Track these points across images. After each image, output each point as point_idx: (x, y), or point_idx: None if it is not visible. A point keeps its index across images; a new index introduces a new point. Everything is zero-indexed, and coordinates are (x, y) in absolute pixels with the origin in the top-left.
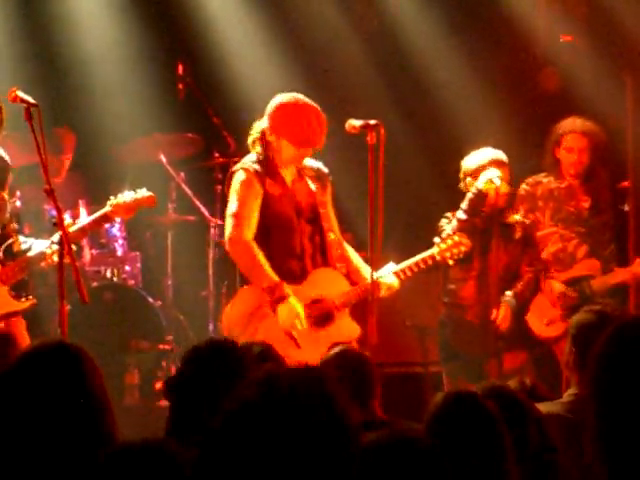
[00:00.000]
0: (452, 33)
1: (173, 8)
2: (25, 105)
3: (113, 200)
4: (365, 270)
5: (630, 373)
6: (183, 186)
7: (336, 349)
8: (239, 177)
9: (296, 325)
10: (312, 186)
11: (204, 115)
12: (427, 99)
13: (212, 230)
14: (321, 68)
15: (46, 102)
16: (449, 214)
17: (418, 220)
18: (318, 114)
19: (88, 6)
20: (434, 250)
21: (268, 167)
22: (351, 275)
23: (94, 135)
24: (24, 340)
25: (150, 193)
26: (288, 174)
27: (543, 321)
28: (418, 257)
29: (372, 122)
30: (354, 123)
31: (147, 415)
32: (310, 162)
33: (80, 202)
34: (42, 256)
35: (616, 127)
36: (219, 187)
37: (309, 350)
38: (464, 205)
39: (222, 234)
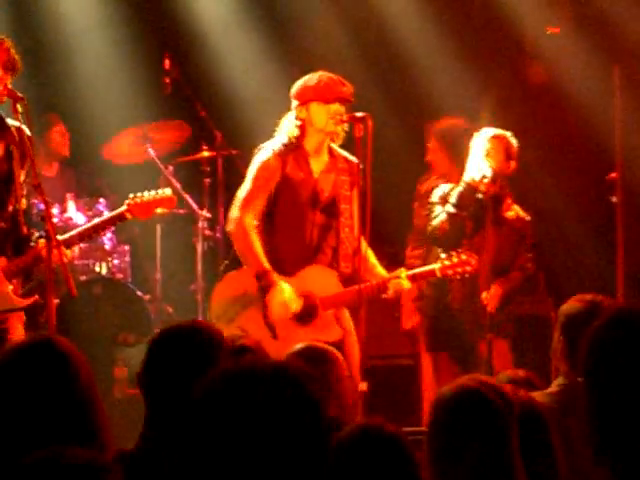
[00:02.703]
0: (440, 28)
1: (160, 1)
2: (12, 98)
3: (131, 199)
4: (376, 271)
5: (625, 361)
6: (171, 179)
7: (300, 345)
8: (259, 158)
9: (285, 311)
10: (340, 179)
11: (191, 108)
12: (414, 94)
13: (201, 223)
14: (309, 64)
15: (32, 95)
16: (433, 201)
17: (407, 213)
18: (336, 75)
19: (76, 1)
20: (435, 266)
21: (296, 152)
22: (364, 274)
23: (81, 130)
24: (18, 334)
25: (170, 193)
26: (317, 163)
27: None
28: (419, 270)
29: (359, 114)
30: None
31: (136, 408)
32: (345, 154)
33: (68, 196)
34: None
35: (604, 119)
36: (207, 180)
37: (285, 343)
38: (453, 199)
39: (211, 227)
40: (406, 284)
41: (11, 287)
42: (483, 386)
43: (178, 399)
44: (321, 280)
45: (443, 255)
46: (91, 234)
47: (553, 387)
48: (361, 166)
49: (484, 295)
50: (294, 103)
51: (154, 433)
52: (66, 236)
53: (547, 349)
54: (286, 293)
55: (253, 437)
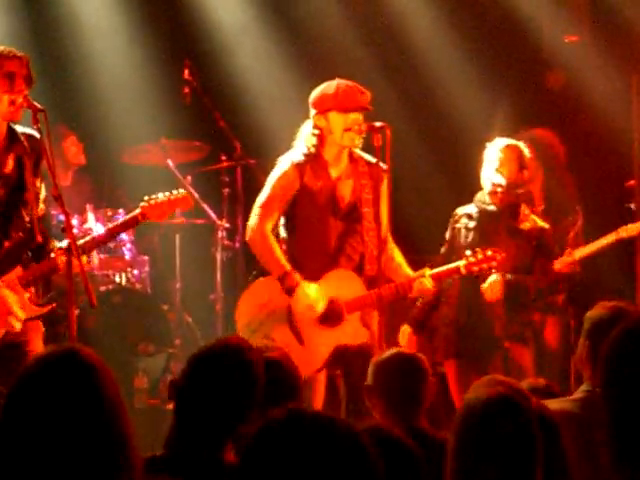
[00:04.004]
0: (457, 35)
1: (179, 11)
2: (32, 110)
3: (145, 201)
4: (402, 272)
5: None
6: (190, 189)
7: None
8: (278, 168)
9: (314, 309)
10: (361, 183)
11: (210, 118)
12: (433, 101)
13: (220, 233)
14: (326, 72)
15: (52, 106)
16: (458, 212)
17: (425, 221)
18: (355, 83)
19: (93, 9)
20: (460, 263)
21: (314, 160)
22: (390, 274)
23: (100, 139)
24: (37, 345)
25: (185, 193)
26: (336, 170)
27: None
28: (443, 268)
29: (378, 124)
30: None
31: (156, 418)
32: (367, 157)
33: (87, 207)
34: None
35: (622, 126)
36: (226, 190)
37: (311, 348)
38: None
39: (230, 237)
40: (429, 283)
41: (27, 295)
42: (516, 393)
43: (210, 411)
44: (345, 284)
45: (468, 252)
46: (107, 239)
47: (577, 393)
48: (384, 167)
49: (484, 286)
50: (312, 112)
51: (181, 442)
52: (81, 242)
53: (568, 356)
54: (311, 292)
55: None
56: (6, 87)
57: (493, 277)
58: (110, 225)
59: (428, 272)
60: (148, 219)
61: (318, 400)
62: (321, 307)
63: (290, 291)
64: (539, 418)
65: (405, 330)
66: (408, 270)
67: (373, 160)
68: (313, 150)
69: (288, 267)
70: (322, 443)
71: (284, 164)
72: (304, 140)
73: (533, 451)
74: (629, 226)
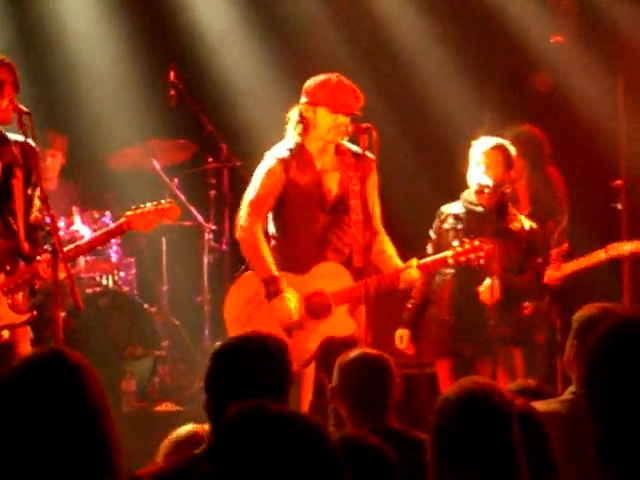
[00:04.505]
0: (443, 36)
1: (164, 13)
2: (17, 113)
3: (132, 210)
4: (392, 263)
5: (624, 372)
6: (177, 192)
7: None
8: (264, 164)
9: (288, 319)
10: (348, 175)
11: (196, 120)
12: (419, 102)
13: (207, 235)
14: (313, 73)
15: (36, 109)
16: (444, 210)
17: (412, 222)
18: (352, 83)
19: (78, 13)
20: (448, 253)
21: (299, 154)
22: (380, 265)
23: (86, 142)
24: (25, 349)
25: (173, 203)
26: (322, 162)
27: None
28: (429, 259)
29: (364, 125)
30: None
31: (144, 421)
32: (354, 148)
33: (74, 209)
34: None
35: (608, 127)
36: (213, 192)
37: (300, 341)
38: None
39: (216, 239)
40: (416, 274)
41: (9, 302)
42: (487, 388)
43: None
44: (332, 276)
45: (456, 243)
46: (90, 248)
47: (565, 394)
48: (372, 157)
49: (480, 289)
50: (303, 99)
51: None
52: (65, 249)
53: (553, 356)
54: (291, 303)
55: None
56: None
57: (488, 281)
58: (94, 234)
59: (415, 262)
60: (133, 228)
61: (306, 396)
62: (296, 318)
63: (273, 296)
64: (523, 418)
65: (403, 334)
66: (398, 261)
67: (360, 151)
68: (299, 140)
69: (276, 273)
70: (285, 439)
71: (269, 160)
72: (290, 132)
73: (511, 448)
74: (620, 245)
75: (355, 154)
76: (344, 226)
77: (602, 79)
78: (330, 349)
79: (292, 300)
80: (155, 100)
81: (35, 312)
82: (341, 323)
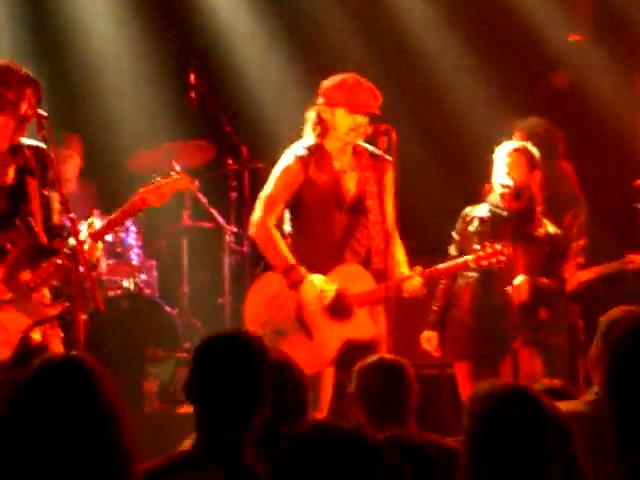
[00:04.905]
0: (461, 36)
1: (184, 15)
2: (36, 117)
3: (143, 188)
4: (398, 270)
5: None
6: (198, 194)
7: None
8: (282, 161)
9: (324, 298)
10: (365, 175)
11: (216, 123)
12: (438, 103)
13: (227, 237)
14: (332, 70)
15: (56, 111)
16: (469, 212)
17: (431, 224)
18: (370, 83)
19: (97, 15)
20: (469, 257)
21: (318, 153)
22: (389, 270)
23: (106, 145)
24: (58, 350)
25: (182, 174)
26: (340, 163)
27: None
28: (451, 262)
29: (383, 126)
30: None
31: (166, 422)
32: (371, 149)
33: (94, 212)
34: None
35: (628, 125)
36: (233, 194)
37: (321, 342)
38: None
39: (238, 241)
40: (418, 283)
41: (37, 297)
42: (521, 388)
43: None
44: (354, 278)
45: (477, 247)
46: (105, 233)
47: (589, 395)
48: (389, 158)
49: (509, 288)
50: (320, 100)
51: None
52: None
53: (575, 356)
54: (318, 283)
55: None
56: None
57: (520, 278)
58: (109, 217)
59: (419, 271)
60: (148, 204)
61: (325, 397)
62: (331, 294)
63: (295, 285)
64: (549, 417)
65: (431, 336)
66: (405, 269)
67: (377, 152)
68: (317, 140)
69: (292, 260)
70: (346, 457)
71: (287, 158)
72: (308, 131)
73: (542, 444)
74: (638, 257)
75: (372, 155)
76: (361, 227)
77: (620, 77)
78: (351, 352)
79: (319, 280)
80: (174, 101)
81: (65, 305)
82: (362, 326)
